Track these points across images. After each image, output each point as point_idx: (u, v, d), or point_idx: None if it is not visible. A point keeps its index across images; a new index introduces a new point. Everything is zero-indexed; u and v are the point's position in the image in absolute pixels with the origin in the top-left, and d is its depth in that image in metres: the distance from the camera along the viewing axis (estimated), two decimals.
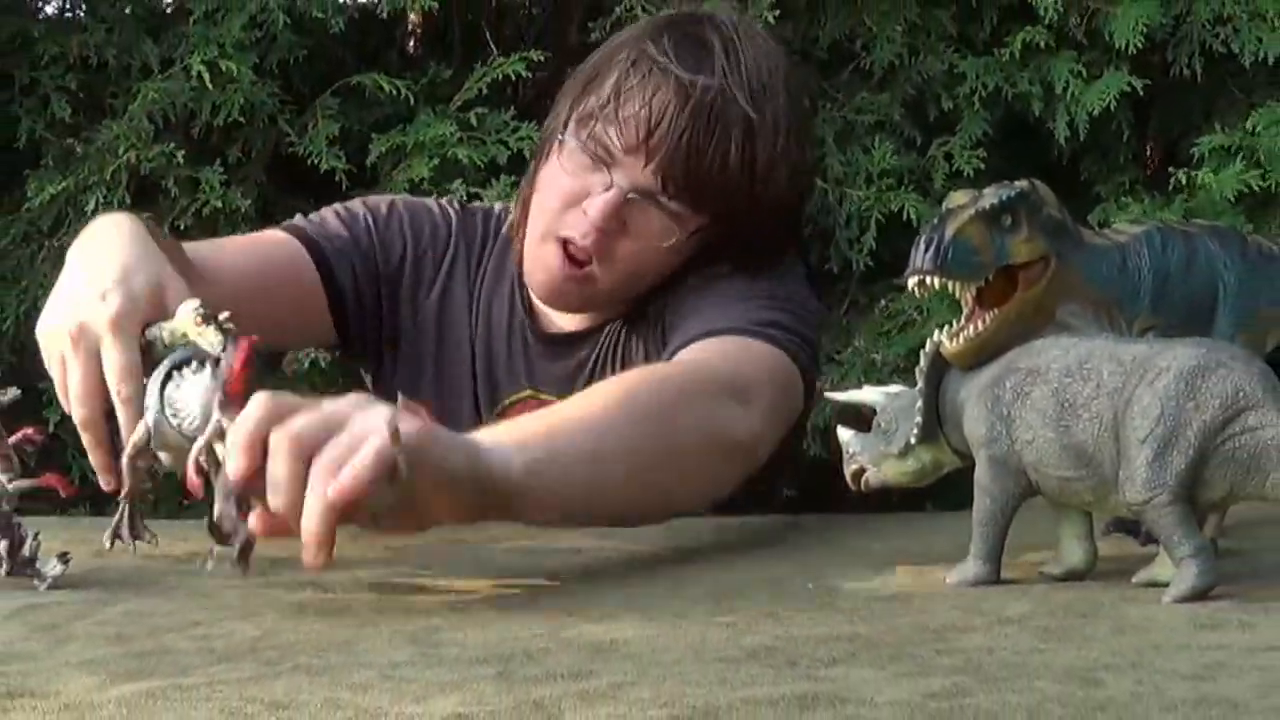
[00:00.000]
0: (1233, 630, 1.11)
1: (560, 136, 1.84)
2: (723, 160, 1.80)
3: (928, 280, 1.31)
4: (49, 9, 3.41)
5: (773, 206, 1.85)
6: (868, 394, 1.43)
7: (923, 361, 1.35)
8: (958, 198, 1.35)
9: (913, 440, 1.35)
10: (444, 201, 2.06)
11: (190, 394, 1.29)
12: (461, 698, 0.94)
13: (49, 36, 3.09)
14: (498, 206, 2.06)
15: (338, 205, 2.02)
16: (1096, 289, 1.39)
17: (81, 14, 3.31)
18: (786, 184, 1.86)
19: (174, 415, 1.30)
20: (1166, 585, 1.22)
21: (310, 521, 1.19)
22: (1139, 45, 2.77)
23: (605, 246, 1.81)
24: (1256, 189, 2.66)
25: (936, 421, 1.35)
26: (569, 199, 1.82)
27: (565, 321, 1.91)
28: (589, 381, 1.84)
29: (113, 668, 1.02)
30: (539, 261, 1.85)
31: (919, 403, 1.35)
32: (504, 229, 1.98)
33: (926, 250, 1.31)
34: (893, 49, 2.91)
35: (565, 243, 1.82)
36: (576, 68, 1.94)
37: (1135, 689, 0.95)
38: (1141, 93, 2.80)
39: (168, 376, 1.32)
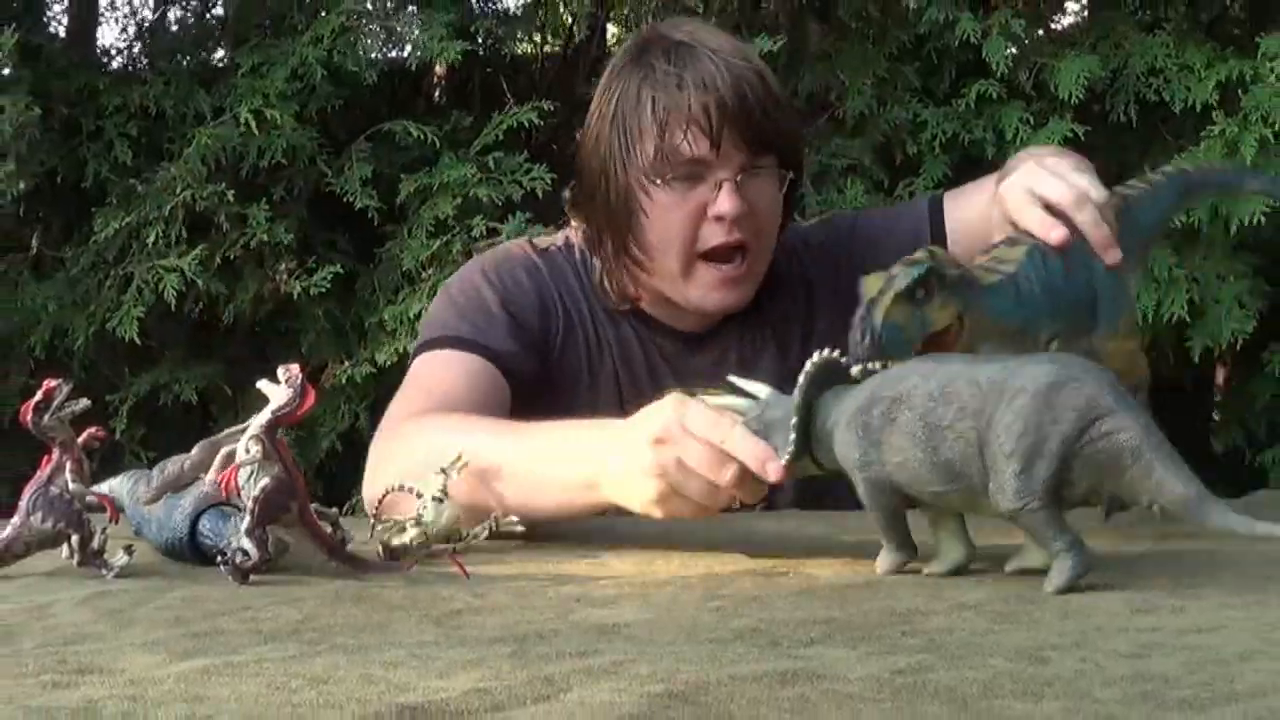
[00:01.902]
0: (1165, 614, 1.11)
1: (645, 188, 1.79)
2: (766, 101, 1.79)
3: (870, 364, 1.31)
4: (114, 64, 3.41)
5: (802, 142, 1.90)
6: (737, 401, 1.39)
7: (801, 380, 1.31)
8: (872, 283, 1.35)
9: (784, 458, 1.32)
10: (522, 246, 1.96)
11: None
12: (481, 674, 0.94)
13: (113, 89, 3.09)
14: (560, 239, 1.96)
15: (460, 299, 1.88)
16: (1004, 323, 1.40)
17: (143, 69, 3.32)
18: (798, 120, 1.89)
19: None
20: (1037, 570, 1.24)
21: None
22: (1080, 96, 2.78)
23: (747, 229, 1.78)
24: (1180, 224, 2.67)
25: (806, 440, 1.32)
26: (692, 221, 1.78)
27: (688, 323, 1.88)
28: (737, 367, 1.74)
29: (171, 647, 1.02)
30: (695, 287, 1.81)
31: (793, 419, 1.31)
32: (581, 254, 1.91)
33: (863, 340, 1.32)
34: (863, 100, 2.92)
35: (713, 253, 1.79)
36: (580, 137, 1.89)
37: (1079, 666, 0.95)
38: (1083, 138, 2.80)
39: None
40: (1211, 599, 1.17)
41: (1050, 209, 1.49)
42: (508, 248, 1.97)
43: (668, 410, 1.39)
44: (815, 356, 1.32)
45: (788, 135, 1.84)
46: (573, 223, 1.92)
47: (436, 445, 1.51)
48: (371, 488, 1.64)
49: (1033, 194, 1.50)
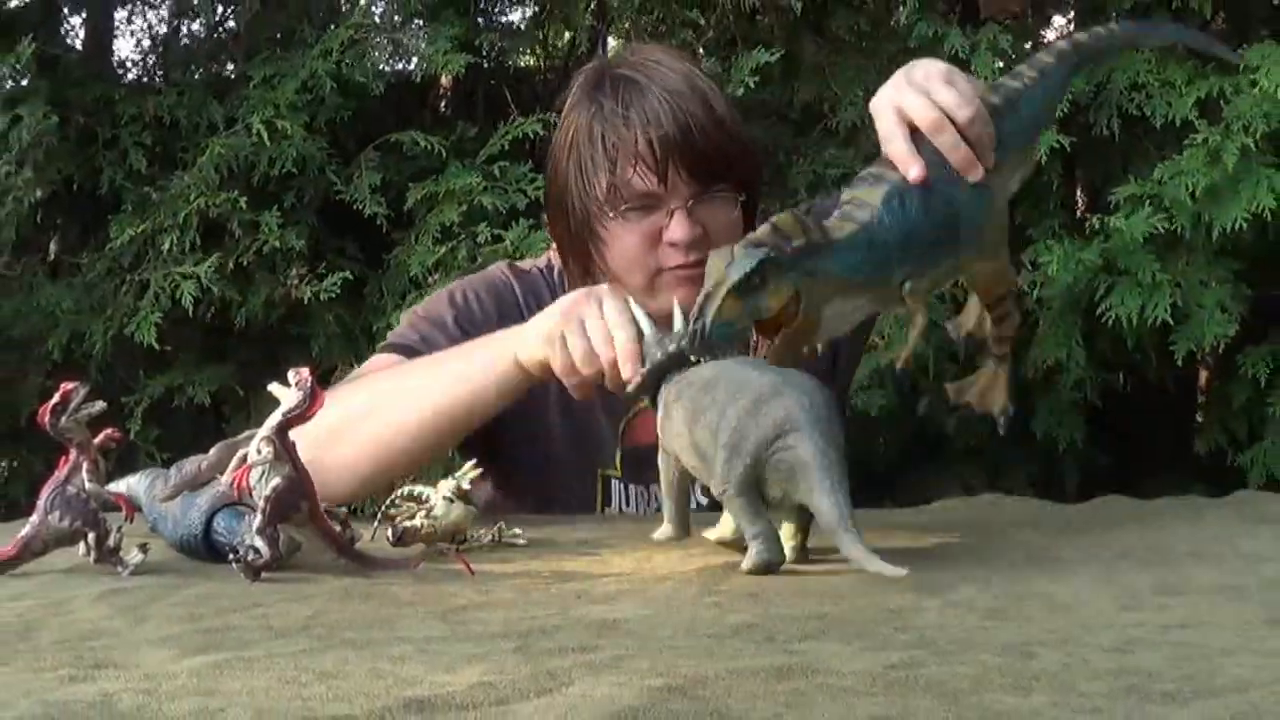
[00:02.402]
0: (1149, 611, 1.11)
1: (603, 219, 1.82)
2: (712, 133, 1.81)
3: (706, 358, 1.37)
4: (129, 76, 3.42)
5: (756, 164, 1.92)
6: (644, 321, 1.52)
7: (677, 331, 1.43)
8: (714, 266, 1.37)
9: (636, 379, 1.44)
10: (500, 269, 2.00)
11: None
12: (485, 668, 0.94)
13: (128, 99, 3.10)
14: (543, 261, 2.01)
15: (421, 313, 1.95)
16: (855, 278, 1.40)
17: (157, 80, 3.32)
18: (751, 142, 1.92)
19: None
20: (727, 540, 1.35)
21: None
22: (1067, 109, 2.78)
23: (702, 249, 1.77)
24: (1163, 230, 2.67)
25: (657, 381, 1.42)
26: (649, 246, 1.81)
27: None
28: None
29: (185, 642, 1.02)
30: (661, 293, 1.81)
31: (656, 357, 1.44)
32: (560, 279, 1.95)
33: (693, 341, 1.36)
34: (855, 111, 2.92)
35: (669, 270, 1.82)
36: (546, 166, 1.93)
37: (1065, 661, 0.95)
38: (1069, 149, 2.80)
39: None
40: (1194, 596, 1.17)
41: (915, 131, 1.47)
42: (487, 270, 2.02)
43: (593, 289, 1.59)
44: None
45: (738, 162, 1.86)
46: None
47: (373, 388, 1.74)
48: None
49: (899, 113, 1.47)
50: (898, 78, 1.52)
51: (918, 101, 1.47)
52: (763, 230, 1.39)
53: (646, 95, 1.80)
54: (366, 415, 1.71)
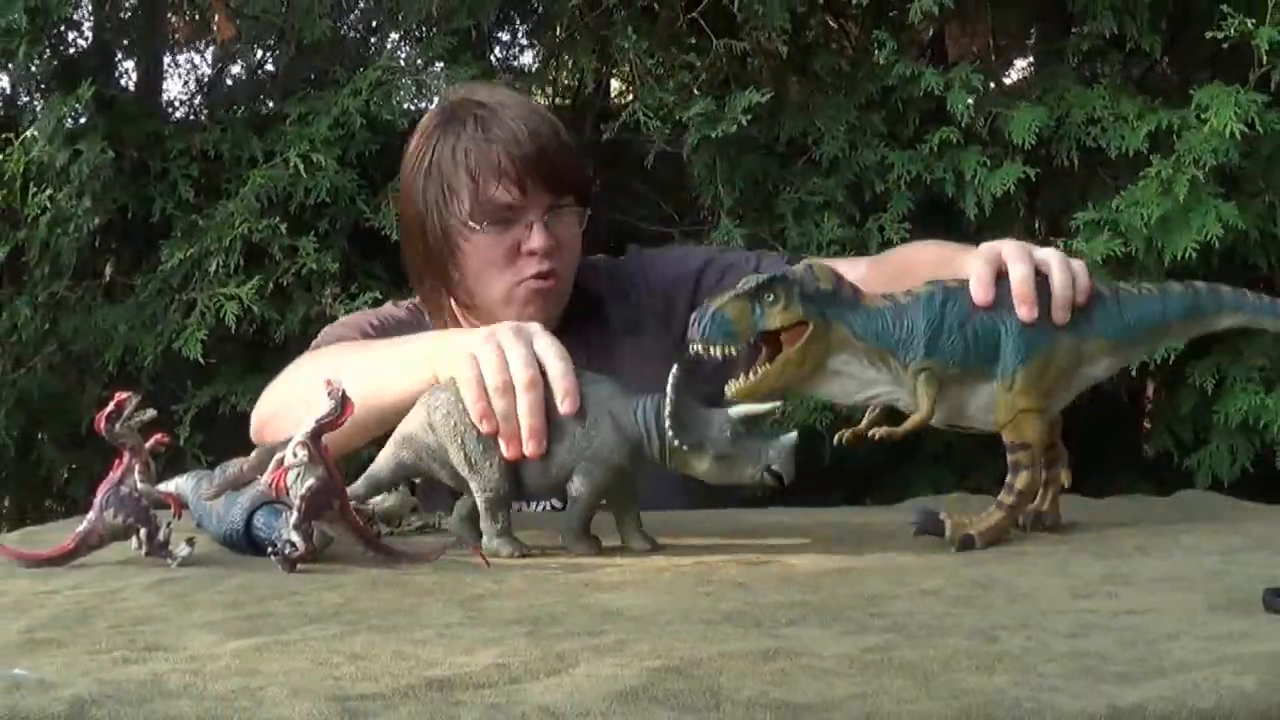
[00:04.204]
0: (1101, 599, 1.11)
1: (465, 231, 1.84)
2: (562, 151, 1.86)
3: (698, 348, 1.36)
4: (178, 114, 3.42)
5: (591, 184, 1.98)
6: None
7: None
8: (741, 283, 1.38)
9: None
10: (397, 305, 2.04)
11: None
12: (500, 650, 0.94)
13: (177, 135, 3.10)
14: (408, 304, 2.03)
15: (341, 325, 2.01)
16: (866, 342, 1.38)
17: (203, 117, 3.33)
18: (586, 166, 1.98)
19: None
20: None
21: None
22: (1031, 141, 2.78)
23: (556, 259, 1.84)
24: (1119, 254, 2.67)
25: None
26: (507, 258, 1.84)
27: None
28: None
29: (228, 627, 1.03)
30: (513, 305, 1.84)
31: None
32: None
33: (693, 325, 1.36)
34: (837, 144, 2.92)
35: (526, 281, 1.84)
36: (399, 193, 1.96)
37: (1025, 644, 0.95)
38: (1033, 178, 2.80)
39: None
40: (1142, 586, 1.17)
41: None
42: (386, 306, 2.08)
43: (525, 324, 1.46)
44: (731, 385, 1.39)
45: (582, 178, 1.92)
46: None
47: (310, 368, 1.73)
48: (258, 411, 1.85)
49: (995, 253, 1.42)
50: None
51: (1016, 247, 1.43)
52: (799, 265, 1.39)
53: (502, 119, 1.84)
54: (290, 403, 1.72)
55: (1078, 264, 1.43)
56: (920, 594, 1.14)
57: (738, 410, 1.35)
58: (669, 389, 1.33)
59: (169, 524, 1.32)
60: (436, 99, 1.98)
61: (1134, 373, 2.76)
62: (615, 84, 3.44)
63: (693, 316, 1.36)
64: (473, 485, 1.37)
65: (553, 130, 1.87)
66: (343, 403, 1.29)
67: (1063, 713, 0.80)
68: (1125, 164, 2.77)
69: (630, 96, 3.17)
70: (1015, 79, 3.37)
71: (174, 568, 1.29)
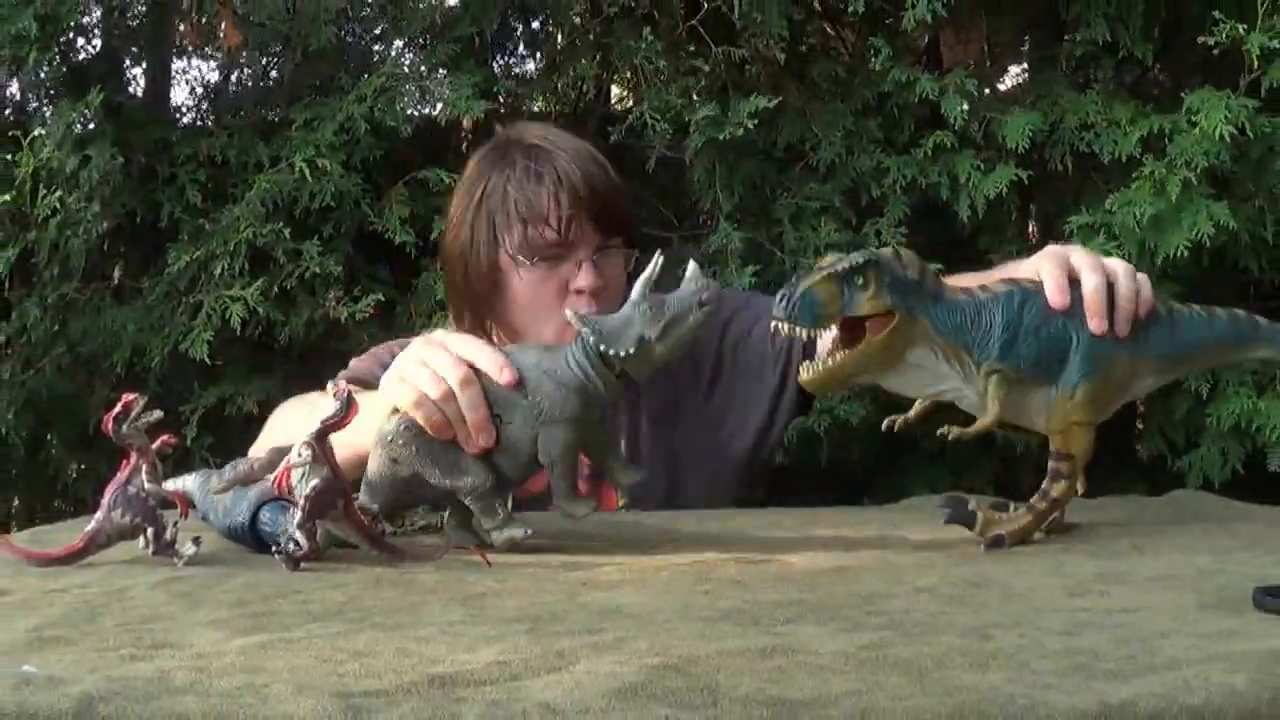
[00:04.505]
0: (1094, 597, 1.12)
1: (514, 268, 1.84)
2: (612, 192, 1.87)
3: (783, 327, 1.32)
4: (185, 120, 3.42)
5: (639, 225, 1.97)
6: None
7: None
8: (826, 259, 1.35)
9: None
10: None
11: None
12: (501, 648, 0.94)
13: (184, 140, 3.10)
14: None
15: (369, 357, 2.01)
16: (945, 338, 1.36)
17: (210, 123, 3.33)
18: (636, 209, 1.97)
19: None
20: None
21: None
22: (1024, 146, 2.78)
23: (602, 298, 1.83)
24: (1113, 255, 2.66)
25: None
26: (556, 295, 1.84)
27: None
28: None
29: (233, 625, 1.03)
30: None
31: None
32: None
33: (780, 303, 1.32)
34: (833, 150, 2.92)
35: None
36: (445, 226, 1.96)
37: (1019, 642, 0.95)
38: (1026, 182, 2.80)
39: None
40: (1135, 584, 1.17)
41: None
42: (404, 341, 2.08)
43: (432, 334, 1.48)
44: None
45: (630, 219, 1.93)
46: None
47: (294, 413, 1.75)
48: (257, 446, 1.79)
49: (1065, 261, 1.43)
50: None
51: (1086, 255, 1.44)
52: (887, 250, 1.36)
53: (556, 159, 1.85)
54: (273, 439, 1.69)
55: (1143, 277, 1.44)
56: (915, 592, 1.15)
57: (637, 291, 1.37)
58: (579, 322, 1.37)
59: (176, 523, 1.33)
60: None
61: None
62: (615, 91, 3.44)
63: (780, 293, 1.32)
64: (460, 494, 1.38)
65: (603, 171, 1.88)
66: (347, 404, 1.29)
67: (1055, 709, 0.81)
68: (1118, 168, 2.76)
69: (631, 102, 3.17)
70: (1010, 85, 3.37)
71: (180, 567, 1.29)
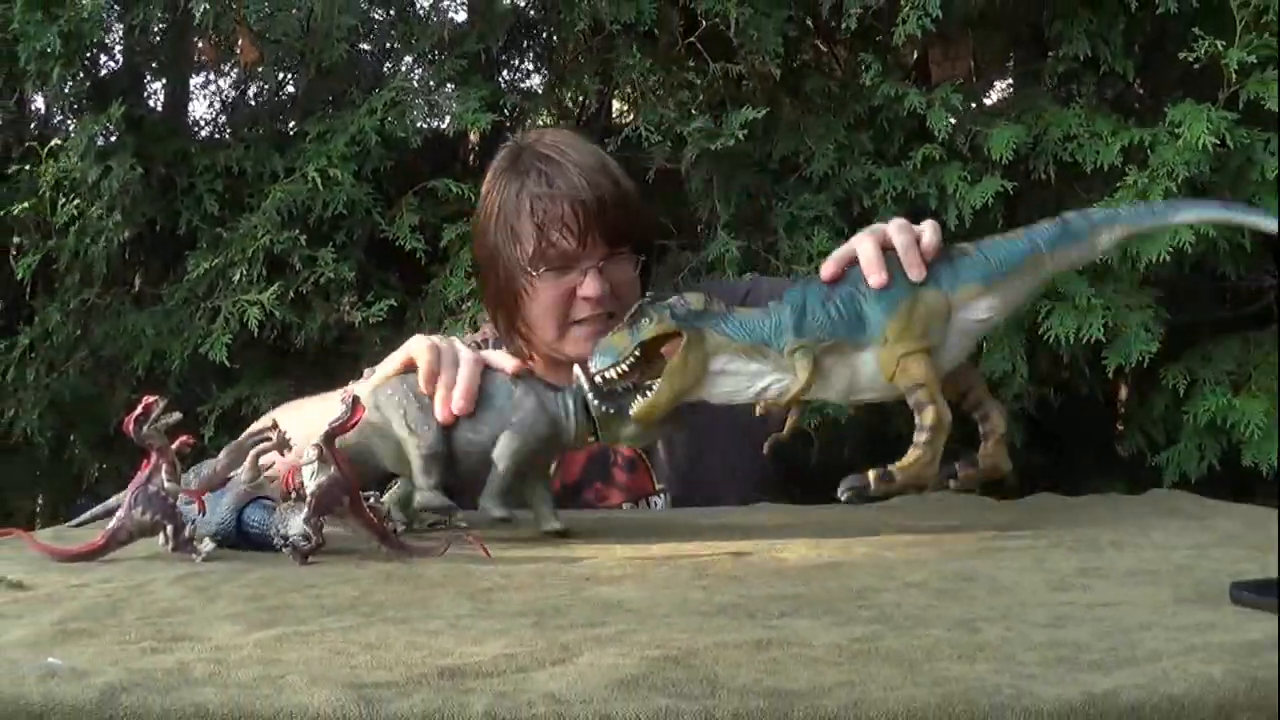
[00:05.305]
0: (1077, 591, 1.12)
1: (527, 275, 1.85)
2: (621, 203, 1.86)
3: (598, 379, 1.45)
4: (203, 132, 3.42)
5: (652, 231, 1.98)
6: None
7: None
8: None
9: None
10: (464, 337, 2.03)
11: None
12: (507, 641, 0.94)
13: (202, 152, 3.10)
14: (489, 331, 2.05)
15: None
16: (740, 341, 1.44)
17: (227, 136, 3.33)
18: (647, 213, 1.95)
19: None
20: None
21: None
22: (1009, 157, 2.77)
23: (612, 302, 1.84)
24: (1096, 262, 2.67)
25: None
26: (565, 300, 1.85)
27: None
28: None
29: (250, 619, 1.03)
30: (570, 344, 1.86)
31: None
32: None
33: (591, 361, 1.46)
34: (826, 162, 2.91)
35: (581, 322, 1.85)
36: (473, 231, 1.98)
37: (1005, 634, 0.95)
38: (1011, 193, 2.80)
39: None
40: (1116, 579, 1.17)
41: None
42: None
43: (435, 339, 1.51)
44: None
45: (640, 227, 1.92)
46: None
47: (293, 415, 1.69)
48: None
49: (848, 244, 1.50)
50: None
51: (865, 230, 1.51)
52: (672, 297, 1.46)
53: (566, 170, 1.84)
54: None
55: (925, 225, 1.50)
56: (905, 587, 1.15)
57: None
58: (579, 375, 1.45)
59: (193, 521, 1.32)
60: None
61: (1110, 373, 2.76)
62: (616, 105, 3.44)
63: (590, 356, 1.45)
64: (410, 447, 1.42)
65: (613, 181, 1.87)
66: (353, 408, 1.31)
67: (1040, 699, 0.81)
68: (1100, 178, 2.76)
69: (631, 115, 3.17)
70: (995, 99, 3.37)
71: (198, 562, 1.29)
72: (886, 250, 1.47)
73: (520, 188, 1.85)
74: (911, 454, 1.43)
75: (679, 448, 1.95)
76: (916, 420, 1.43)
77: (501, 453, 1.42)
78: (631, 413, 1.44)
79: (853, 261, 1.47)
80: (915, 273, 1.45)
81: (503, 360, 1.48)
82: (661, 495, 1.94)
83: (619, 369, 1.44)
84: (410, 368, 1.48)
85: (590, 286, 1.83)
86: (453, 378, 1.45)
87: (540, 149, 1.88)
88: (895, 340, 1.43)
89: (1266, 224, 1.52)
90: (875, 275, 1.45)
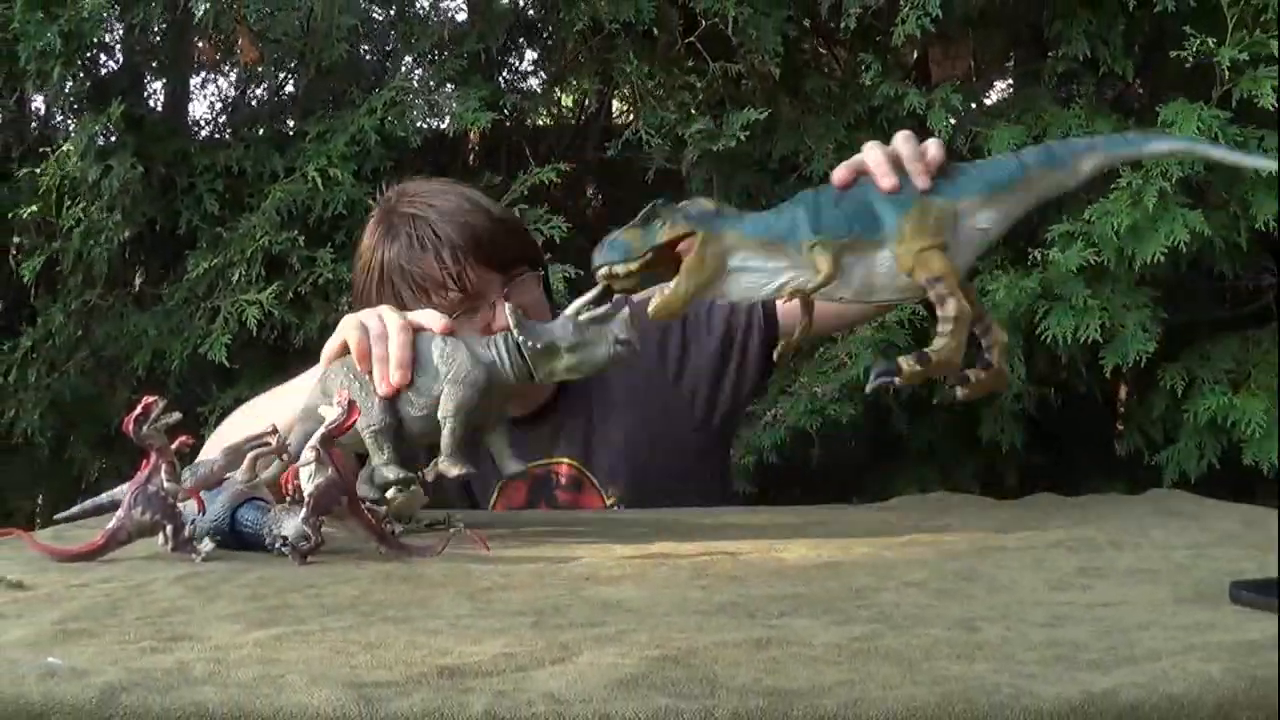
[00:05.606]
0: (1076, 591, 1.12)
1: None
2: (495, 229, 1.87)
3: (603, 270, 1.43)
4: (203, 133, 3.43)
5: (535, 246, 2.03)
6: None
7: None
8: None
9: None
10: None
11: None
12: (507, 640, 0.94)
13: (203, 152, 3.11)
14: None
15: None
16: (757, 239, 1.43)
17: (227, 136, 3.33)
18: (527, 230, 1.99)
19: None
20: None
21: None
22: None
23: None
24: (1092, 263, 2.67)
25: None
26: (483, 336, 1.84)
27: (515, 409, 1.86)
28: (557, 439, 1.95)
29: (249, 618, 1.03)
30: None
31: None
32: None
33: (598, 252, 1.44)
34: (826, 161, 2.92)
35: None
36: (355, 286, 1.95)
37: (1004, 634, 0.95)
38: None
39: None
40: (1115, 579, 1.17)
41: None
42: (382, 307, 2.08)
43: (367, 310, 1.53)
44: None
45: (523, 246, 1.93)
46: None
47: (242, 419, 1.74)
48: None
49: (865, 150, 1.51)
50: None
51: (871, 142, 1.51)
52: (684, 204, 1.45)
53: (433, 223, 1.84)
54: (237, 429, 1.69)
55: (932, 141, 1.51)
56: (904, 586, 1.14)
57: (572, 308, 1.45)
58: (509, 312, 1.45)
59: (193, 520, 1.32)
60: (379, 203, 1.97)
61: (1109, 373, 2.76)
62: (616, 105, 3.45)
63: (595, 249, 1.44)
64: (360, 425, 1.42)
65: (485, 216, 1.87)
66: (348, 410, 1.32)
67: (1040, 699, 0.80)
68: (1097, 179, 2.76)
69: (632, 116, 3.17)
70: (995, 99, 3.37)
71: (198, 562, 1.29)
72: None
73: (397, 252, 1.84)
74: (938, 342, 1.42)
75: (615, 448, 1.95)
76: (939, 311, 1.42)
77: (445, 410, 1.43)
78: (649, 310, 1.43)
79: (862, 170, 1.48)
80: (921, 180, 1.46)
81: (430, 319, 1.49)
82: (617, 508, 1.93)
83: (628, 266, 1.43)
84: (346, 350, 1.49)
85: (501, 318, 1.81)
86: (385, 351, 1.46)
87: (404, 209, 1.87)
88: (911, 236, 1.43)
89: (1265, 163, 1.53)
90: (887, 179, 1.46)
